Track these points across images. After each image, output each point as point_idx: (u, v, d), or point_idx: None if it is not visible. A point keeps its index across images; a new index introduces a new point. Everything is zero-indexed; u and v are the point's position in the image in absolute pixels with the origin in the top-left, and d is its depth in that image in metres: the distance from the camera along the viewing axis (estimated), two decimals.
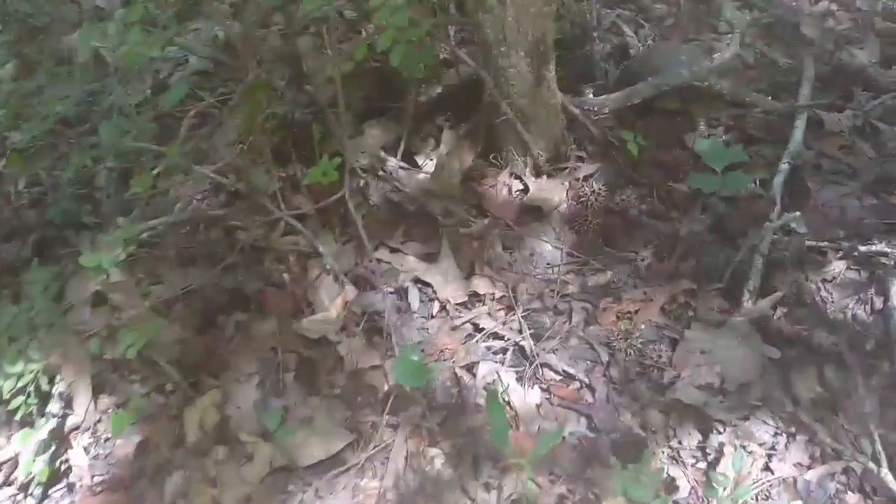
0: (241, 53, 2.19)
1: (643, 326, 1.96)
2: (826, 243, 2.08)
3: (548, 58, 2.08)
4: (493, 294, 2.03)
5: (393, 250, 2.13)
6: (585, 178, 2.29)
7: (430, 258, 2.11)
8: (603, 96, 2.39)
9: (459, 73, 2.40)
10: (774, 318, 1.95)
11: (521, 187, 2.27)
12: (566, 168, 2.31)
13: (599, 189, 2.21)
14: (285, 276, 2.07)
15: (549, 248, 2.15)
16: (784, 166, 2.23)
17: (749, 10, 3.11)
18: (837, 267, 2.03)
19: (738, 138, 2.45)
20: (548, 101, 2.18)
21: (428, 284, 2.05)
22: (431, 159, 2.34)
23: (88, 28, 2.17)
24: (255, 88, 2.18)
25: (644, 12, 3.12)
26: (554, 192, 2.22)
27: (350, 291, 2.01)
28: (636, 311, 1.99)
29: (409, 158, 2.37)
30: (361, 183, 2.30)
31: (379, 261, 2.09)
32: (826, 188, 2.24)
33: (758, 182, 2.27)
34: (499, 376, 1.86)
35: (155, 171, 1.85)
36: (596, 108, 2.36)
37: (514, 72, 2.08)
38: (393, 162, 2.32)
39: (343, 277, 2.02)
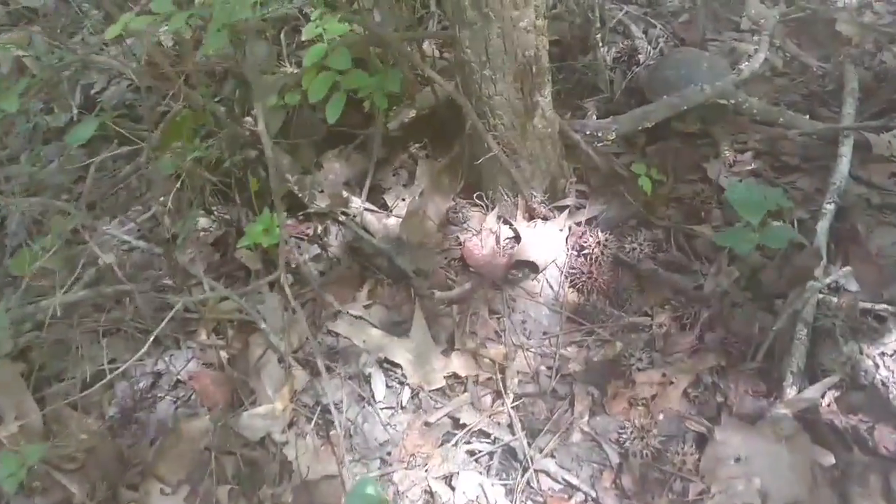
0: (166, 73, 1.80)
1: (661, 417, 1.59)
2: (885, 306, 1.70)
3: (541, 81, 1.69)
4: (476, 377, 1.66)
5: (354, 319, 1.75)
6: (589, 222, 1.90)
7: (399, 329, 1.73)
8: (609, 119, 1.99)
9: (437, 93, 2.00)
10: (824, 404, 1.58)
11: (512, 235, 1.88)
12: (565, 208, 1.92)
13: (606, 238, 1.81)
14: (222, 354, 1.69)
15: (545, 313, 1.77)
16: (829, 207, 1.84)
17: (775, 4, 2.69)
18: None
19: (771, 165, 2.06)
20: (542, 132, 1.78)
21: (396, 365, 1.67)
22: (403, 199, 1.95)
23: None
24: (185, 119, 1.78)
25: (655, 7, 2.70)
26: (551, 241, 1.83)
27: (300, 377, 1.63)
28: (653, 398, 1.61)
29: (377, 197, 1.98)
30: (319, 229, 1.91)
31: (336, 335, 1.70)
32: (879, 231, 1.85)
33: (795, 223, 1.88)
34: (483, 491, 1.49)
35: (47, 240, 1.45)
36: (601, 134, 1.96)
37: (501, 99, 1.68)
38: (357, 203, 1.93)
39: (291, 359, 1.63)
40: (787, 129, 2.07)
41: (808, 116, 2.14)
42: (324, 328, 1.72)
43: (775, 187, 1.98)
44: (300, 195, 1.90)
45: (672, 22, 2.61)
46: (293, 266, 1.86)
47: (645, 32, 2.53)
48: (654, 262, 1.84)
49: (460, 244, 1.86)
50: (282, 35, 2.28)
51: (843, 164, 1.92)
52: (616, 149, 2.08)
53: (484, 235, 1.85)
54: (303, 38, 1.25)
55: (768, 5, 2.66)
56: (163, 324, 1.57)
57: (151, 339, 1.58)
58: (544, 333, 1.74)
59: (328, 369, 1.64)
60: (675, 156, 2.05)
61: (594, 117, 2.06)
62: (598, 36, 2.36)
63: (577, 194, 1.98)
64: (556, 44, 2.42)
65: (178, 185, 1.91)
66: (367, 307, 1.77)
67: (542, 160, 1.84)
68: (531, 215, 1.89)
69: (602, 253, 1.80)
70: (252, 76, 1.86)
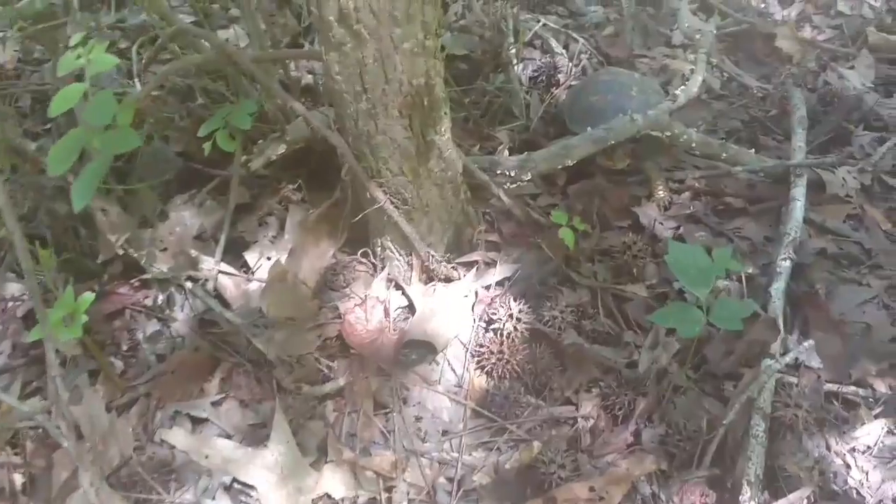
0: None
1: None
2: (853, 388, 1.41)
3: (436, 116, 1.32)
4: (355, 498, 1.28)
5: (197, 422, 1.35)
6: (500, 284, 1.55)
7: (257, 435, 1.34)
8: (524, 155, 1.65)
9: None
10: None
11: (405, 303, 1.51)
12: (473, 264, 1.57)
13: (520, 308, 1.46)
14: (16, 477, 1.27)
15: (446, 405, 1.41)
16: (784, 264, 1.54)
17: (708, 17, 2.41)
18: (872, 429, 1.36)
19: (713, 208, 1.77)
20: (440, 176, 1.42)
21: (250, 487, 1.28)
22: (269, 257, 1.56)
23: None
24: None
25: (576, 18, 2.38)
26: (453, 311, 1.47)
27: None
28: None
29: (237, 256, 1.58)
30: (160, 299, 1.51)
31: (171, 447, 1.30)
32: (841, 292, 1.56)
33: (743, 280, 1.58)
34: None
35: None
36: (514, 174, 1.62)
37: (385, 139, 1.31)
38: (209, 263, 1.53)
39: (104, 485, 1.22)
40: (731, 165, 1.77)
41: (752, 148, 1.85)
42: (156, 437, 1.32)
43: (719, 236, 1.68)
44: (135, 256, 1.49)
45: (596, 35, 2.30)
46: (124, 349, 1.46)
47: (566, 47, 2.21)
48: (579, 332, 1.50)
49: (340, 317, 1.48)
50: (134, 48, 1.86)
51: (798, 211, 1.64)
52: (532, 189, 1.74)
53: (370, 305, 1.48)
54: (58, 74, 0.86)
55: (702, 17, 2.38)
56: None
57: None
58: (444, 433, 1.38)
59: (158, 493, 1.24)
60: (601, 198, 1.72)
61: (506, 151, 1.72)
62: (513, 51, 2.04)
63: (487, 245, 1.63)
64: (463, 60, 2.08)
65: None
66: (216, 404, 1.37)
67: (442, 209, 1.49)
68: (429, 277, 1.53)
69: (515, 327, 1.44)
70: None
